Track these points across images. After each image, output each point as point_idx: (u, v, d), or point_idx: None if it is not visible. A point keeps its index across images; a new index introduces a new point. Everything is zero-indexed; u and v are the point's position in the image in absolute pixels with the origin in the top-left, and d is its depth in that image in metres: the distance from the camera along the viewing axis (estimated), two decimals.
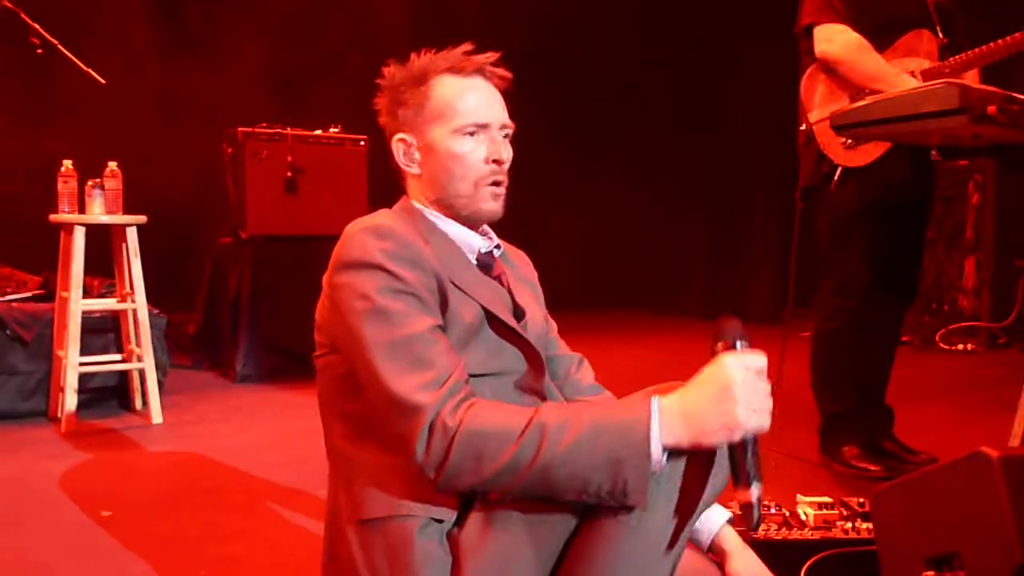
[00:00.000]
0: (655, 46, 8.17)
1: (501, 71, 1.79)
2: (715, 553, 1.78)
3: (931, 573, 1.80)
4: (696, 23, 7.87)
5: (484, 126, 1.73)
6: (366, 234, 1.61)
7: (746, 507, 1.44)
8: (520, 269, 1.94)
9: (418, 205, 1.77)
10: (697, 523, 1.73)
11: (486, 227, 1.84)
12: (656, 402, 1.42)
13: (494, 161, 1.72)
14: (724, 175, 8.12)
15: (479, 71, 1.76)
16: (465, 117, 1.71)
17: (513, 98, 1.81)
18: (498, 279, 1.79)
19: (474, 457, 1.44)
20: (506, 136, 1.77)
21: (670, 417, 1.41)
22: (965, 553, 1.78)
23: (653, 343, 6.85)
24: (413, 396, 1.48)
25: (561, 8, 7.98)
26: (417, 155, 1.77)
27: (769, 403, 1.42)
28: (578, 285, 8.18)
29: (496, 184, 1.74)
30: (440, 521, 1.55)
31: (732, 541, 1.78)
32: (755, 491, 1.43)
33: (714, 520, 1.78)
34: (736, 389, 1.39)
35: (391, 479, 1.58)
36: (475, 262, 1.77)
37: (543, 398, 1.76)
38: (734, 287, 8.12)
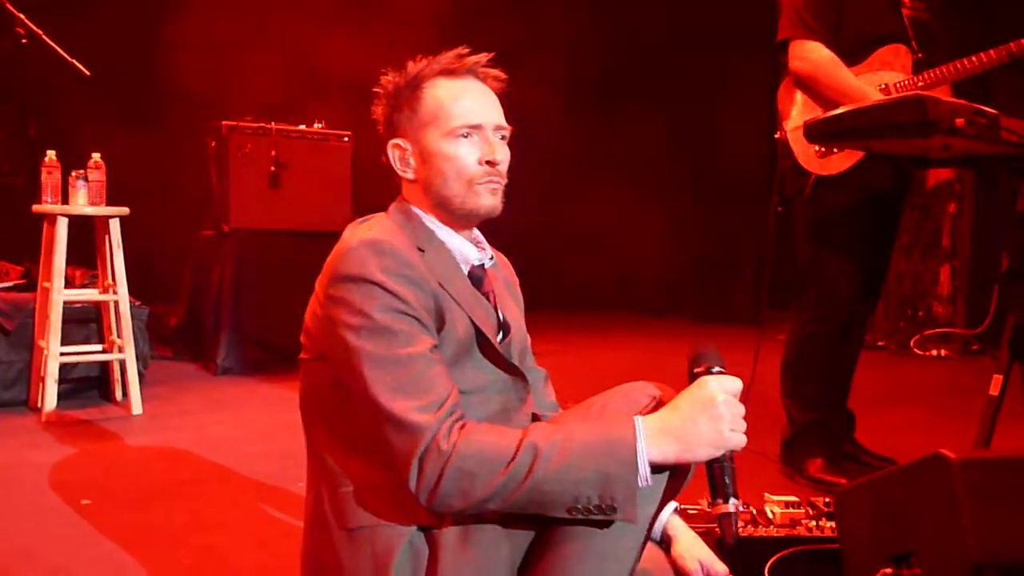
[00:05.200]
0: (650, 55, 8.24)
1: (495, 72, 1.78)
2: (663, 539, 1.86)
3: (889, 570, 1.86)
4: (688, 34, 7.95)
5: (477, 127, 1.71)
6: (365, 248, 1.59)
7: (724, 518, 1.52)
8: (505, 274, 1.96)
9: (416, 210, 1.76)
10: None
11: (480, 236, 1.84)
12: (639, 421, 1.50)
13: (487, 162, 1.71)
14: (713, 180, 8.17)
15: (471, 72, 1.76)
16: (457, 119, 1.70)
17: (512, 101, 1.81)
18: (487, 295, 1.79)
19: (467, 481, 1.47)
20: (503, 138, 1.75)
21: (656, 435, 1.48)
22: (923, 552, 1.84)
23: (641, 345, 6.88)
24: (410, 417, 1.49)
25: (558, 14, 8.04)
26: (412, 160, 1.75)
27: (745, 424, 1.52)
28: (567, 287, 8.26)
29: (491, 182, 1.72)
30: (426, 528, 1.59)
31: (679, 527, 1.87)
32: (732, 504, 1.51)
33: (664, 512, 1.85)
34: (721, 409, 1.49)
35: (379, 494, 1.60)
36: (467, 274, 1.76)
37: (527, 415, 1.79)
38: (720, 289, 8.20)
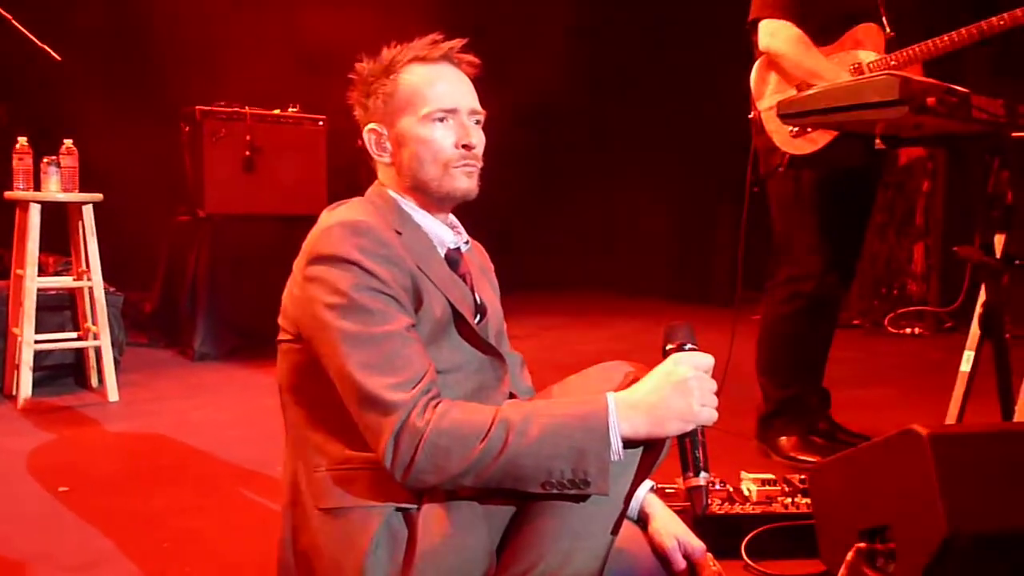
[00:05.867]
0: (627, 40, 8.23)
1: (469, 57, 1.81)
2: (640, 517, 1.88)
3: (863, 544, 1.89)
4: (667, 14, 7.96)
5: (452, 111, 1.74)
6: (343, 229, 1.61)
7: (695, 491, 1.55)
8: (480, 260, 1.98)
9: (392, 194, 1.79)
10: None
11: (455, 221, 1.87)
12: (611, 397, 1.52)
13: (463, 146, 1.73)
14: (691, 160, 8.17)
15: (446, 57, 1.78)
16: (432, 103, 1.73)
17: (488, 89, 1.83)
18: (463, 277, 1.81)
19: (442, 456, 1.48)
20: (477, 122, 1.78)
21: (628, 409, 1.50)
22: (896, 525, 1.87)
23: (618, 326, 6.88)
24: (385, 394, 1.51)
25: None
26: (388, 145, 1.78)
27: (715, 400, 1.54)
28: (546, 267, 8.27)
29: (467, 165, 1.75)
30: (402, 509, 1.60)
31: (655, 505, 1.89)
32: (703, 478, 1.54)
33: (639, 491, 1.88)
34: (691, 384, 1.51)
35: (356, 472, 1.62)
36: (443, 256, 1.79)
37: (504, 395, 1.81)
38: (698, 270, 8.23)
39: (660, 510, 1.89)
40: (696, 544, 1.84)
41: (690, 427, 1.52)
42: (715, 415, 1.53)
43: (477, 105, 1.79)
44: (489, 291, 1.93)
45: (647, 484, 1.90)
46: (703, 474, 1.54)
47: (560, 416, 1.51)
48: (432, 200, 1.78)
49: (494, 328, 1.87)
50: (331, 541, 1.61)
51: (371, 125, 1.80)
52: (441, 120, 1.73)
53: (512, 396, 1.86)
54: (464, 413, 1.52)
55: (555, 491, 1.50)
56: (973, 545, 1.74)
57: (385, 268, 1.59)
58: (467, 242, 1.88)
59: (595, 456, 1.48)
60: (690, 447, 1.54)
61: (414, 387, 1.52)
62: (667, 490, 2.34)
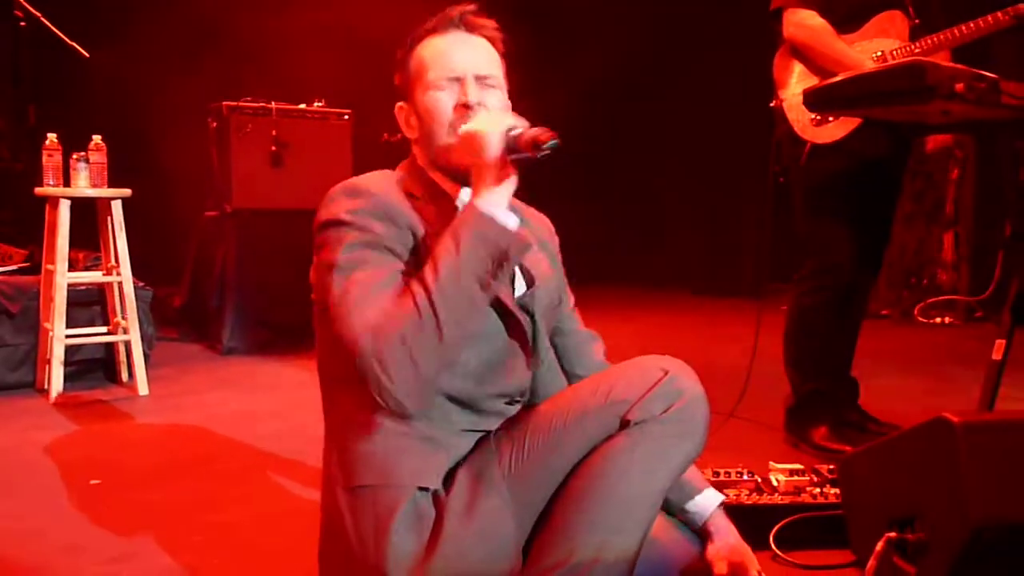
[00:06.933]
0: (655, 33, 8.21)
1: (481, 20, 1.81)
2: (703, 533, 1.87)
3: (893, 534, 1.88)
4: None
5: (456, 79, 1.75)
6: (340, 193, 1.68)
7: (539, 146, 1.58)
8: (540, 232, 1.97)
9: (422, 165, 1.81)
10: (691, 506, 1.86)
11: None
12: (459, 198, 1.69)
13: (462, 106, 1.73)
14: (719, 152, 8.13)
15: (456, 25, 1.79)
16: (434, 71, 1.75)
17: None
18: None
19: (394, 340, 1.51)
20: (490, 85, 1.77)
21: (475, 185, 1.60)
22: (926, 515, 1.85)
23: (643, 319, 6.89)
24: (350, 335, 1.54)
25: None
26: (412, 120, 1.81)
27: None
28: (578, 261, 8.27)
29: None
30: (427, 489, 1.61)
31: (719, 524, 1.88)
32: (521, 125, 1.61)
33: (707, 505, 1.88)
34: (470, 126, 1.63)
35: (384, 449, 1.63)
36: None
37: (528, 361, 1.80)
38: (725, 262, 8.18)
39: (723, 532, 1.88)
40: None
41: (505, 130, 1.59)
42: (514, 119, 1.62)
43: (484, 69, 1.77)
44: (545, 263, 1.92)
45: (717, 497, 1.89)
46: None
47: (448, 239, 1.56)
48: (447, 175, 1.78)
49: (544, 300, 1.86)
50: (357, 519, 1.63)
51: (399, 103, 1.84)
52: (446, 88, 1.75)
53: (576, 376, 1.90)
54: (379, 300, 1.56)
55: (495, 279, 1.56)
56: (1004, 535, 1.73)
57: (379, 223, 1.63)
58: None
59: (498, 235, 1.55)
60: (514, 147, 1.60)
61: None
62: None
